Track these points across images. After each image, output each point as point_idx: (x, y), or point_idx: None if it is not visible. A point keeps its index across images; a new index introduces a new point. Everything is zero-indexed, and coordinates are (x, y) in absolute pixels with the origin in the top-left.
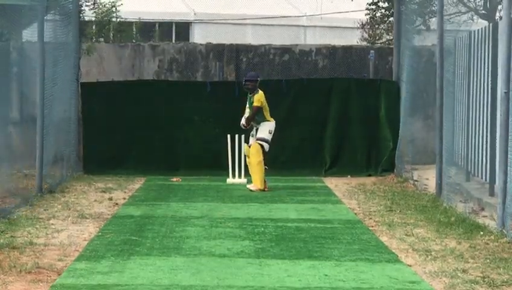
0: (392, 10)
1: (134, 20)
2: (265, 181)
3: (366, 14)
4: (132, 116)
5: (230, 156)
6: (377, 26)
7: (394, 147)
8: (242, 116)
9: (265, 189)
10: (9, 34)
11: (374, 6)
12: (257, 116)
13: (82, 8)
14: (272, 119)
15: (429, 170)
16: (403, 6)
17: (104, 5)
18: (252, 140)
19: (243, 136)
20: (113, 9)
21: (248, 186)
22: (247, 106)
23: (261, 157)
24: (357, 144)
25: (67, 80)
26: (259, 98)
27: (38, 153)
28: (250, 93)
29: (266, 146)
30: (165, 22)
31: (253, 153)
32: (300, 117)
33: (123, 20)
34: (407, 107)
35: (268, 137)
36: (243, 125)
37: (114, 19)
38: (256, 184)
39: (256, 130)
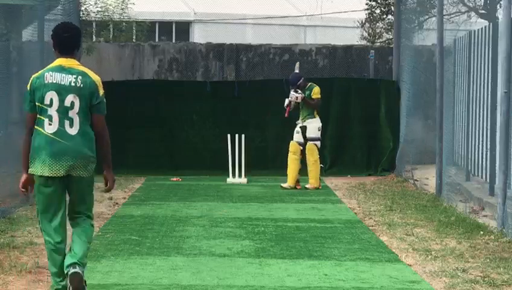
0: (391, 7)
1: (134, 20)
2: (298, 181)
3: (365, 10)
4: (132, 116)
5: (230, 156)
6: (376, 24)
7: (394, 147)
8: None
9: (298, 187)
10: (9, 34)
11: (373, 3)
12: (308, 109)
13: (85, 8)
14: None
15: (429, 169)
16: (402, 5)
17: (111, 5)
18: (297, 136)
19: (243, 135)
20: (119, 7)
21: (306, 185)
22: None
23: (317, 157)
24: (357, 144)
25: None
26: (319, 90)
27: None
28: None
29: (319, 144)
30: (165, 21)
31: (309, 153)
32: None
33: (126, 20)
34: (408, 107)
35: (318, 135)
36: (295, 97)
37: (118, 18)
38: (312, 183)
39: (302, 127)
